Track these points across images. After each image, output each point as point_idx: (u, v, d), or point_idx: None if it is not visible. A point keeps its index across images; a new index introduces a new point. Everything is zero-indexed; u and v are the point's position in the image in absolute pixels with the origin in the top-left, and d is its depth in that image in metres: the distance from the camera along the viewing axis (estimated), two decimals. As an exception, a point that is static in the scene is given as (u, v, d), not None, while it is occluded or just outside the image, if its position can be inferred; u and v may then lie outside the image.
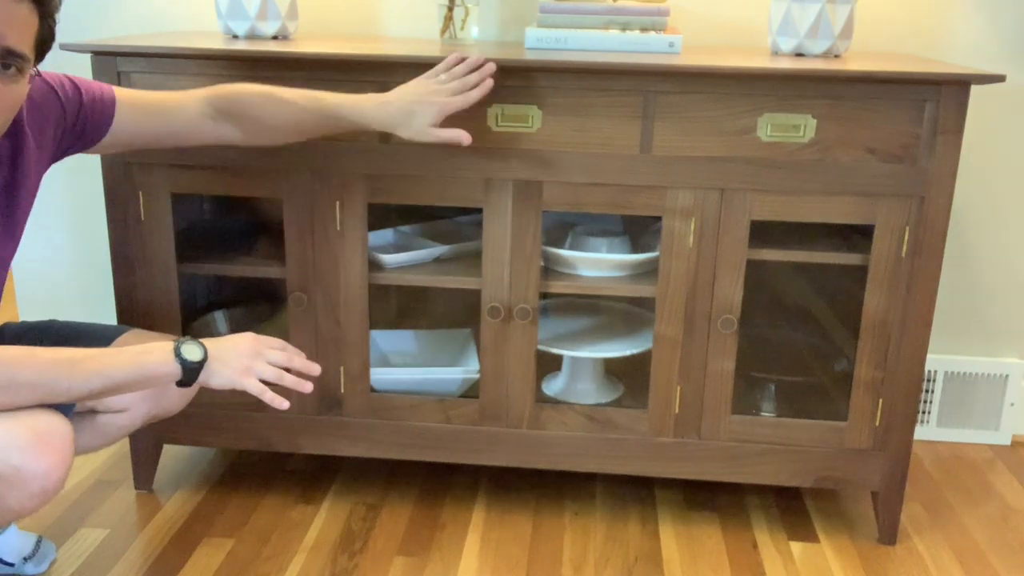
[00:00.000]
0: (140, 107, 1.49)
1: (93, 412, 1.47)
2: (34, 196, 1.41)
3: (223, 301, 2.10)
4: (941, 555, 1.77)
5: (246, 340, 1.37)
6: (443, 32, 1.87)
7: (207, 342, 1.35)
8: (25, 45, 1.21)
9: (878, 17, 2.00)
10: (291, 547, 1.74)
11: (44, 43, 1.27)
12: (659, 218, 1.77)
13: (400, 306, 2.21)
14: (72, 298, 2.29)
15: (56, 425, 1.25)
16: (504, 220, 1.68)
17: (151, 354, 1.30)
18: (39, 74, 1.29)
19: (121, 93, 1.49)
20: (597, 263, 1.75)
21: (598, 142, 1.63)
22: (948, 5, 1.99)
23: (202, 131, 1.54)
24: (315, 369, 1.41)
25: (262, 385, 1.34)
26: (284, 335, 1.82)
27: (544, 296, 2.08)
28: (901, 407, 1.70)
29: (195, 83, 1.65)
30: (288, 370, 1.63)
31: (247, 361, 1.34)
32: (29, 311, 2.31)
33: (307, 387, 1.37)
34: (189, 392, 1.53)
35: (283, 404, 1.36)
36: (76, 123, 1.44)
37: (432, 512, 1.87)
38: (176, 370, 1.30)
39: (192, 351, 1.32)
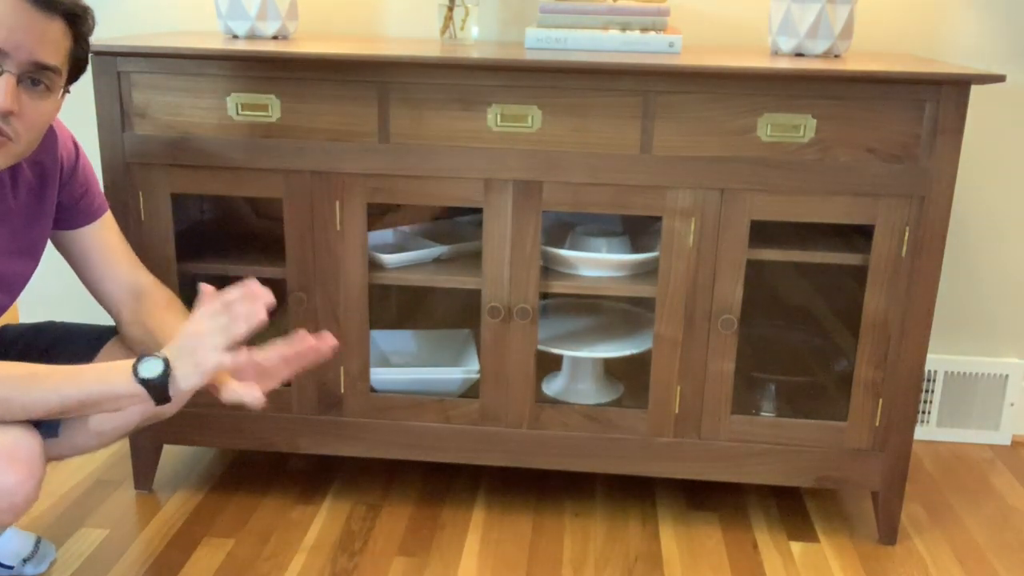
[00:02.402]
0: (105, 244, 1.47)
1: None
2: (50, 222, 1.42)
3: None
4: (941, 555, 1.77)
5: (185, 328, 1.25)
6: (443, 32, 1.87)
7: (166, 349, 1.25)
8: (57, 61, 1.21)
9: (878, 17, 2.00)
10: (291, 547, 1.74)
11: (77, 64, 1.27)
12: (659, 218, 1.77)
13: (400, 306, 2.21)
14: (72, 298, 2.29)
15: (23, 440, 1.22)
16: (504, 220, 1.68)
17: (114, 373, 1.23)
18: (68, 91, 1.29)
19: (105, 220, 1.48)
20: (597, 263, 1.75)
21: (598, 142, 1.63)
22: (948, 5, 1.99)
23: (110, 305, 1.49)
24: (253, 287, 1.25)
25: (230, 355, 1.23)
26: (284, 335, 1.82)
27: (544, 296, 2.08)
28: (901, 407, 1.70)
29: (195, 83, 1.65)
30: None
31: (199, 347, 1.23)
32: (29, 311, 2.31)
33: (263, 304, 1.23)
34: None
35: (241, 333, 1.23)
36: (64, 188, 1.43)
37: (432, 512, 1.87)
38: (140, 391, 1.22)
39: (148, 367, 1.22)
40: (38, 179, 1.37)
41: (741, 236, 1.65)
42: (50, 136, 1.38)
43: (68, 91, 1.29)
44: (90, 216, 1.46)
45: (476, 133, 1.64)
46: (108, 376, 1.22)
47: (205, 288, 1.29)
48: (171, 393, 1.23)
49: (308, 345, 1.33)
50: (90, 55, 1.64)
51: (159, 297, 1.49)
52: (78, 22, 1.24)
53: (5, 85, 1.17)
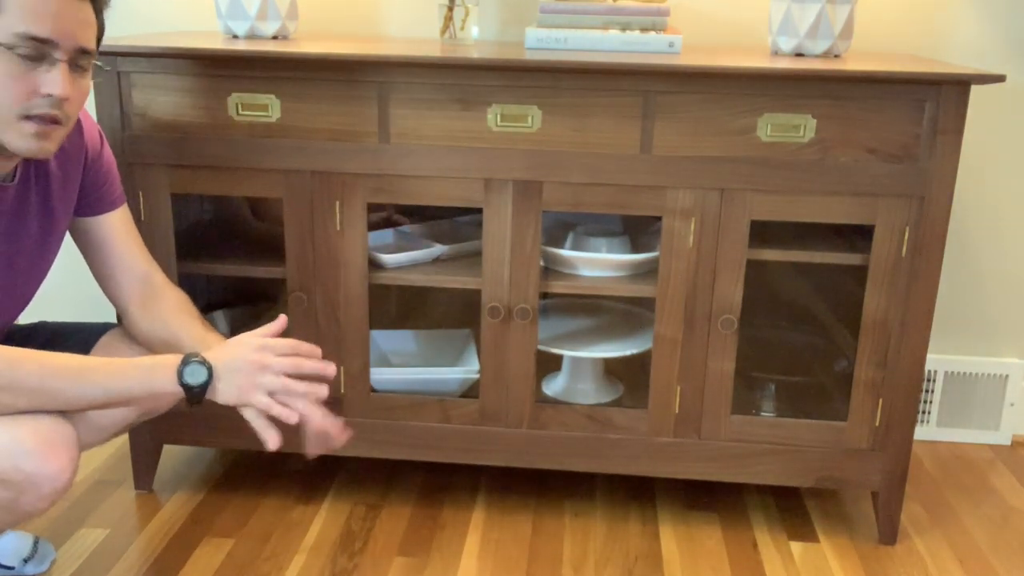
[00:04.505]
0: (121, 233, 1.49)
1: None
2: (71, 209, 1.44)
3: (223, 301, 2.10)
4: (941, 555, 1.77)
5: (249, 350, 1.30)
6: (443, 32, 1.87)
7: (215, 354, 1.30)
8: (93, 44, 1.27)
9: (878, 17, 2.00)
10: (291, 547, 1.74)
11: (99, 37, 1.33)
12: (659, 218, 1.77)
13: (400, 306, 2.21)
14: (71, 298, 2.29)
15: (60, 427, 1.25)
16: (504, 220, 1.68)
17: (158, 371, 1.27)
18: (101, 67, 1.34)
19: (123, 211, 1.50)
20: (597, 263, 1.75)
21: (598, 142, 1.63)
22: (948, 5, 1.99)
23: (118, 295, 1.50)
24: (329, 371, 1.33)
25: (269, 400, 1.29)
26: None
27: (544, 296, 2.08)
28: (901, 407, 1.70)
29: (195, 83, 1.65)
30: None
31: (252, 377, 1.29)
32: (28, 311, 2.30)
33: (321, 391, 1.31)
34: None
35: (291, 418, 1.29)
36: (88, 173, 1.46)
37: (432, 512, 1.87)
38: (179, 391, 1.27)
39: (195, 373, 1.27)
40: (61, 169, 1.40)
41: (741, 236, 1.65)
42: (75, 125, 1.42)
43: (101, 67, 1.36)
44: (109, 204, 1.49)
45: (476, 133, 1.64)
46: (152, 375, 1.27)
47: (283, 318, 1.38)
48: (206, 398, 1.29)
49: (327, 427, 1.35)
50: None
51: (173, 297, 1.51)
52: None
53: (62, 74, 1.22)
